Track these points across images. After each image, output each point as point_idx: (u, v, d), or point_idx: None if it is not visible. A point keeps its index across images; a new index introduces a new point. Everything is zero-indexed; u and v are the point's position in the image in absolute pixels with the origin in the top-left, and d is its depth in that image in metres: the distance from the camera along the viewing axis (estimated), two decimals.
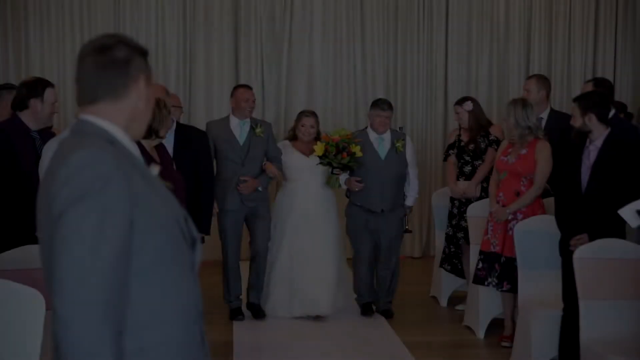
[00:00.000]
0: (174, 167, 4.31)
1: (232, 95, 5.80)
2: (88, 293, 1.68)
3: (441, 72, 8.31)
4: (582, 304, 4.12)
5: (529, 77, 6.11)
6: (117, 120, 1.92)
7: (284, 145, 5.96)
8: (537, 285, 4.80)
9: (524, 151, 5.11)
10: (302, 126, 5.92)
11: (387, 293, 5.94)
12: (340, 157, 5.58)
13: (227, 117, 5.82)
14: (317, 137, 5.87)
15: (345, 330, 5.59)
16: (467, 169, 5.84)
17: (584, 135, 4.43)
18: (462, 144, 5.88)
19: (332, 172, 5.72)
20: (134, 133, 1.98)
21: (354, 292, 5.97)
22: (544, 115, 5.76)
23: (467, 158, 5.82)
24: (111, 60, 1.88)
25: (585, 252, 4.16)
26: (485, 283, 5.17)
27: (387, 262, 5.88)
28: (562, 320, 4.46)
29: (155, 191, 1.90)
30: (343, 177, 5.78)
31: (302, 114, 6.04)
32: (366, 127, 5.99)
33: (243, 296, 5.90)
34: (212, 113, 7.86)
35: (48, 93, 4.37)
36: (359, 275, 5.91)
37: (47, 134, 4.41)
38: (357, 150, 5.62)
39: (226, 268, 5.79)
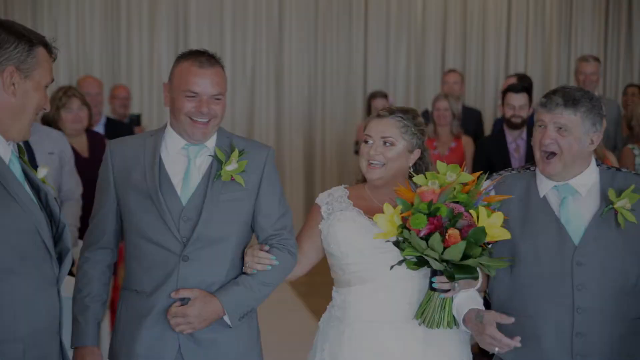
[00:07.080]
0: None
1: (170, 78, 2.36)
2: None
3: (360, 68, 8.37)
4: None
5: (452, 71, 6.19)
6: None
7: (336, 198, 2.53)
8: None
9: (453, 144, 5.23)
10: (366, 141, 2.50)
11: None
12: (439, 242, 2.16)
13: (161, 133, 2.41)
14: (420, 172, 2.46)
15: None
16: None
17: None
18: None
19: (430, 286, 2.27)
20: (15, 134, 1.79)
21: None
22: None
23: None
24: None
25: None
26: None
27: None
28: None
29: (10, 199, 1.73)
30: (465, 299, 2.33)
31: (376, 116, 2.55)
32: (530, 164, 2.57)
33: None
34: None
35: None
36: None
37: None
38: (495, 223, 2.20)
39: None
